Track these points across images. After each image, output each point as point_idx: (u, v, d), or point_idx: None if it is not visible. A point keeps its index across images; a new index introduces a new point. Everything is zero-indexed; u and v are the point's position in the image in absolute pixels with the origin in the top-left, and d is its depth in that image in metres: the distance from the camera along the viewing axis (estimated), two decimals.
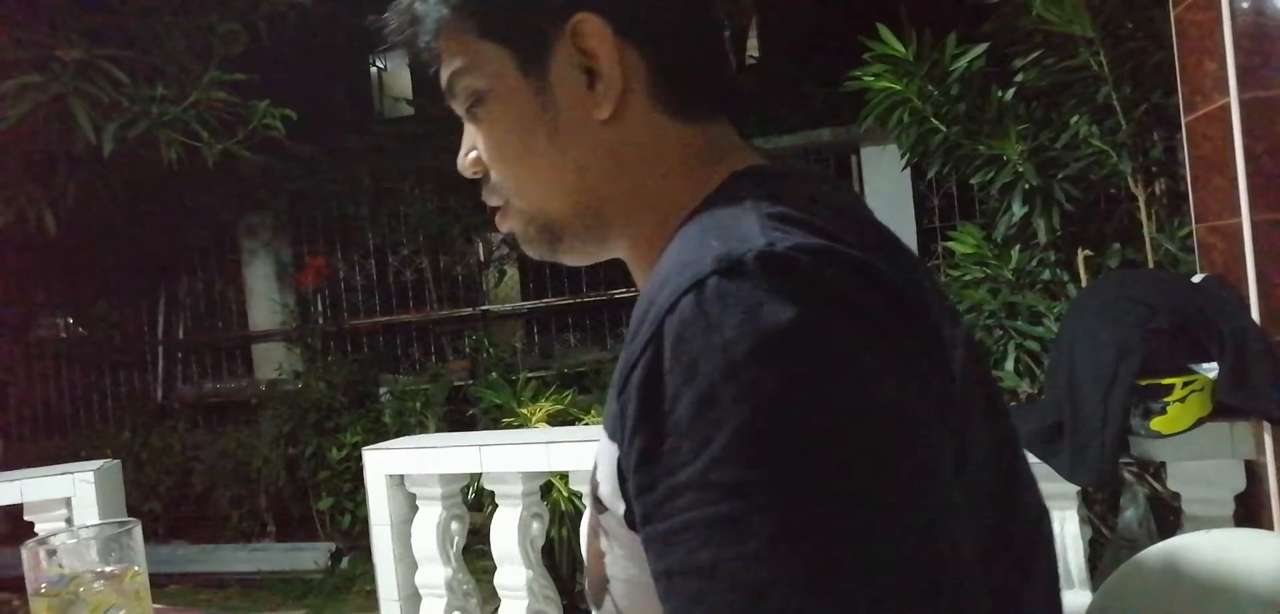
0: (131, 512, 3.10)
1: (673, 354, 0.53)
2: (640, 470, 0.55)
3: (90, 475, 2.69)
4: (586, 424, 4.05)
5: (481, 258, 8.70)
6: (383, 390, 6.87)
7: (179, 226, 7.79)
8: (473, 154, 0.78)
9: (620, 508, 0.62)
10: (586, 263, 0.80)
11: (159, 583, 5.81)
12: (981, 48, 3.15)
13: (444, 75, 0.76)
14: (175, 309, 8.48)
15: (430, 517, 2.49)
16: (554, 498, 3.54)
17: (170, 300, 8.43)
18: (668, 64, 0.72)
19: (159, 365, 8.28)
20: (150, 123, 4.63)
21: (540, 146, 0.73)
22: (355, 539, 6.10)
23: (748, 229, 0.57)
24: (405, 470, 2.52)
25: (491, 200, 0.79)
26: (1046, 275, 3.21)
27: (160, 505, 6.79)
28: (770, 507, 0.50)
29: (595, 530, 0.70)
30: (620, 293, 8.11)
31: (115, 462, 2.84)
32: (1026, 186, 3.11)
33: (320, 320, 8.49)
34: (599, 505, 0.67)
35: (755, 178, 0.68)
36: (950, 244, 3.47)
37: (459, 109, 0.77)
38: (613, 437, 0.61)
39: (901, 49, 3.13)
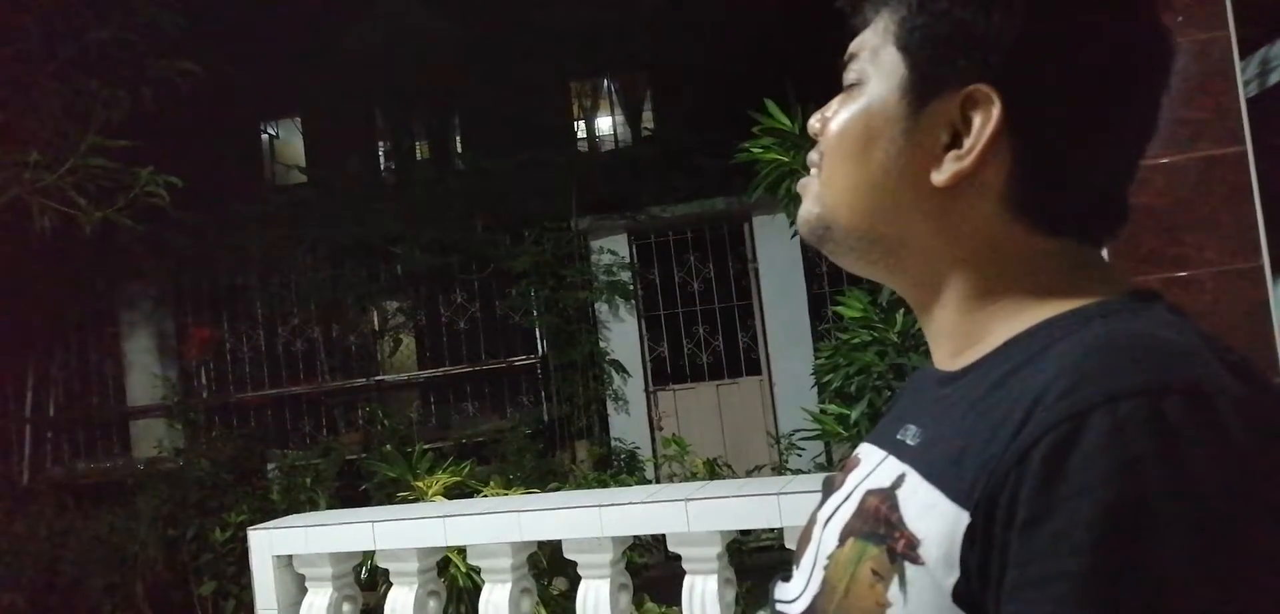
0: None
1: (1104, 447, 0.52)
2: (1023, 540, 0.55)
3: None
4: (485, 496, 3.99)
5: (376, 326, 8.54)
6: (271, 466, 6.62)
7: (52, 297, 7.41)
8: (827, 117, 0.77)
9: (950, 580, 0.59)
10: (850, 270, 0.79)
11: None
12: None
13: (854, 44, 0.76)
14: (45, 384, 8.02)
15: (320, 599, 2.41)
16: (451, 574, 3.46)
17: (40, 375, 7.98)
18: (1042, 176, 0.68)
19: (25, 445, 7.79)
20: (20, 190, 4.43)
21: (872, 159, 0.72)
22: None
23: (1207, 366, 0.56)
24: (294, 550, 2.43)
25: (810, 165, 0.79)
26: None
27: (24, 597, 6.34)
28: None
29: (880, 576, 0.64)
30: (520, 360, 8.06)
31: None
32: None
33: (204, 394, 8.17)
34: (904, 557, 0.63)
35: (1171, 308, 0.65)
36: (839, 308, 3.59)
37: (847, 76, 0.76)
38: (958, 500, 0.59)
39: (787, 122, 3.27)
